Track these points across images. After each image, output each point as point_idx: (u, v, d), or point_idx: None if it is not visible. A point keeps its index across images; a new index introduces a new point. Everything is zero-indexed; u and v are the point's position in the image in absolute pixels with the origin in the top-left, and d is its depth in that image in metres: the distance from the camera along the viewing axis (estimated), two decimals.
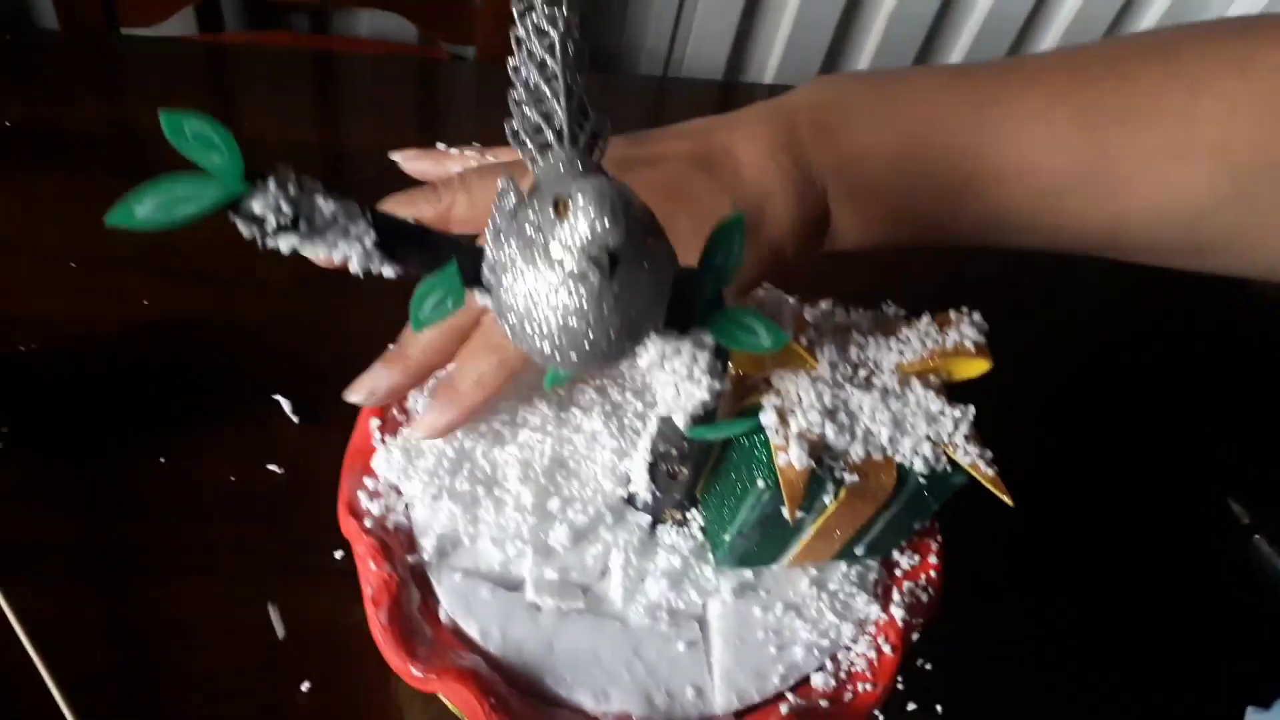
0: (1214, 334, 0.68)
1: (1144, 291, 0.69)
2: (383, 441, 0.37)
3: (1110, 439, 0.60)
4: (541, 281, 0.22)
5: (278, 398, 0.51)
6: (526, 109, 0.26)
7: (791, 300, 0.33)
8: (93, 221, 0.56)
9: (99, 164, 0.60)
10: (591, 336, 0.22)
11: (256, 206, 0.22)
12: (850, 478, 0.30)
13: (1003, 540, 0.45)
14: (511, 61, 0.27)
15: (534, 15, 0.27)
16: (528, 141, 0.25)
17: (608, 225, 0.21)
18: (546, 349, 0.23)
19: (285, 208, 0.22)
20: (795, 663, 0.35)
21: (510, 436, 0.37)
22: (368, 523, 0.35)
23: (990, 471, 0.30)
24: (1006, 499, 0.30)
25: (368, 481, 0.36)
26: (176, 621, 0.44)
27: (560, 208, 0.22)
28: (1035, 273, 0.68)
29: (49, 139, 0.62)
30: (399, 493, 0.36)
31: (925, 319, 0.32)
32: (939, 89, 0.39)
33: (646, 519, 0.36)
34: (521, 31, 0.27)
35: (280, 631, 0.43)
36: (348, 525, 0.35)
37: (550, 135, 0.25)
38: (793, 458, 0.29)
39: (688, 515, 0.36)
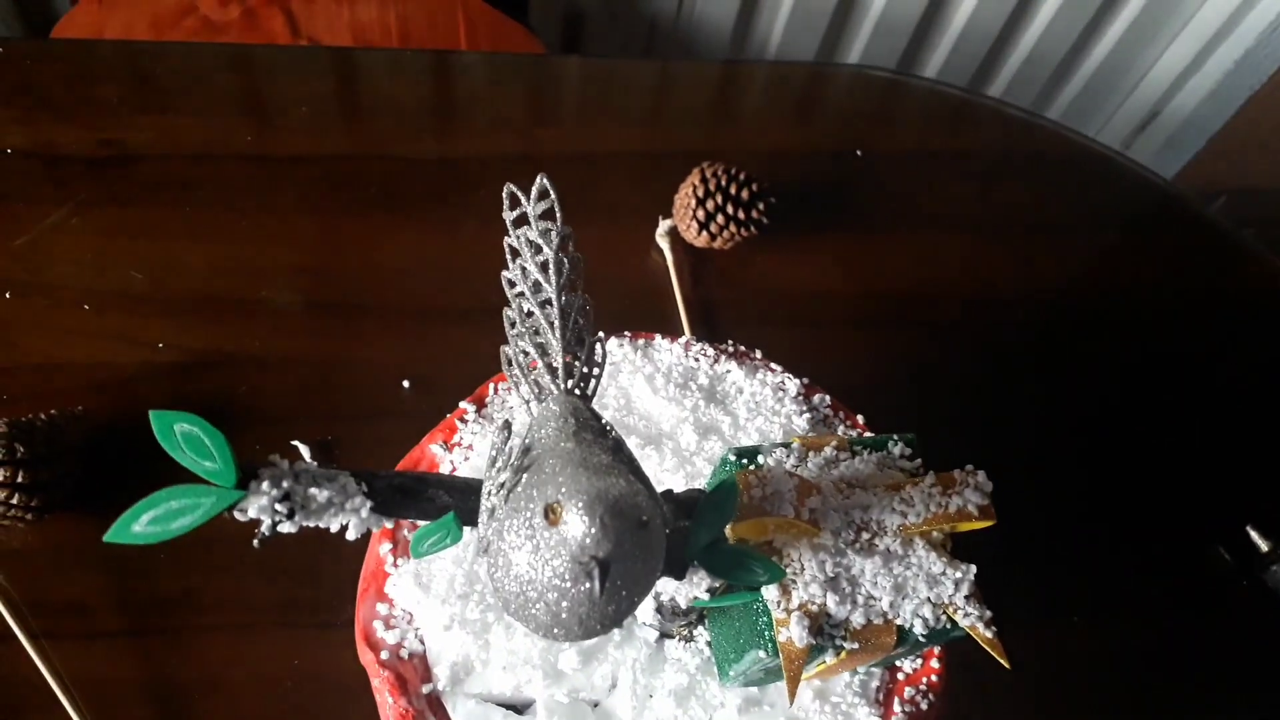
0: (1233, 364, 0.66)
1: (1164, 319, 0.67)
2: (395, 565, 0.38)
3: (1129, 473, 0.59)
4: (536, 576, 0.22)
5: (296, 444, 0.52)
6: (520, 340, 0.25)
7: (792, 462, 0.33)
8: (100, 256, 0.56)
9: (99, 190, 0.59)
10: (585, 624, 0.23)
11: (253, 509, 0.22)
12: (850, 645, 0.30)
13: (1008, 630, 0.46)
14: (505, 274, 0.27)
15: (528, 229, 0.26)
16: (522, 382, 0.25)
17: (597, 537, 0.21)
18: (541, 629, 0.23)
19: (280, 507, 0.22)
20: None
21: None
22: (384, 654, 0.36)
23: (988, 634, 0.31)
24: (1004, 662, 0.31)
25: (380, 608, 0.37)
26: (210, 676, 0.46)
27: (551, 514, 0.22)
28: (1055, 298, 0.66)
29: (47, 165, 0.60)
30: (411, 618, 0.37)
31: (929, 478, 0.32)
32: None
33: (654, 634, 0.37)
34: (515, 242, 0.27)
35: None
36: (365, 657, 0.36)
37: (547, 377, 0.25)
38: (793, 635, 0.30)
39: (694, 633, 0.37)
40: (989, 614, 0.31)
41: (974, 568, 0.32)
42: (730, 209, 0.58)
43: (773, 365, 0.43)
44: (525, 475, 0.23)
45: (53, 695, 0.44)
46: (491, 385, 0.41)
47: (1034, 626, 0.52)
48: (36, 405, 0.49)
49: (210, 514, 0.22)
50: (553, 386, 0.25)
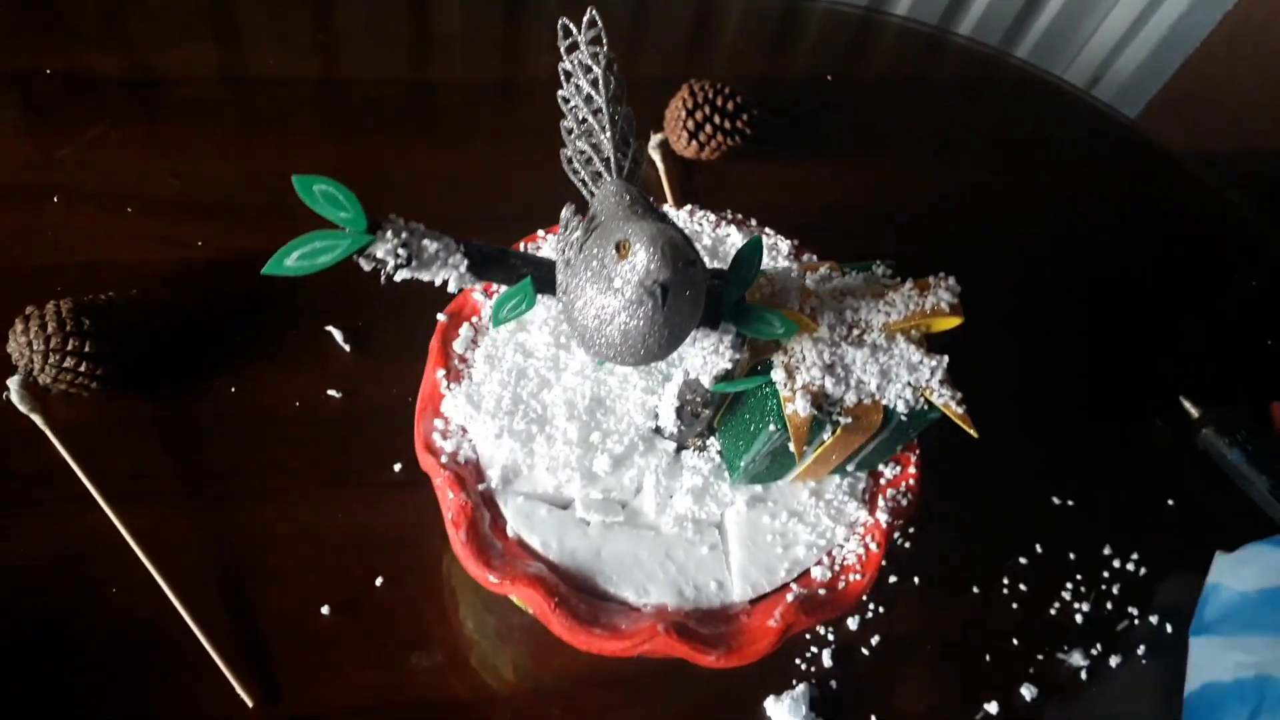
0: (1166, 244, 0.74)
1: (1098, 206, 0.74)
2: (449, 388, 0.43)
3: (1068, 348, 0.67)
4: (607, 306, 0.28)
5: (330, 329, 0.57)
6: (578, 141, 0.31)
7: (795, 273, 0.39)
8: (138, 166, 0.60)
9: (134, 108, 0.64)
10: (646, 345, 0.29)
11: (380, 252, 0.27)
12: (844, 420, 0.37)
13: (971, 448, 0.53)
14: (561, 92, 0.33)
15: (579, 53, 0.32)
16: (580, 170, 0.31)
17: (660, 264, 0.27)
18: (610, 353, 0.29)
19: (401, 251, 0.28)
20: (798, 559, 0.42)
21: (555, 381, 0.43)
22: (443, 459, 0.41)
23: (959, 410, 0.37)
24: (972, 432, 0.37)
25: (438, 423, 0.42)
26: (266, 531, 0.52)
27: (621, 249, 0.27)
28: (995, 197, 0.73)
29: (81, 86, 0.65)
30: (465, 431, 0.43)
31: (908, 284, 0.39)
32: None
33: (673, 446, 0.43)
34: (568, 65, 0.32)
35: None
36: (426, 461, 0.41)
37: (599, 165, 0.31)
38: (798, 407, 0.36)
39: (706, 443, 0.43)
40: (959, 394, 0.38)
41: (946, 358, 0.38)
42: (717, 119, 0.64)
43: (767, 229, 0.49)
44: (594, 233, 0.29)
45: (123, 549, 0.49)
46: (523, 244, 0.46)
47: (991, 491, 0.59)
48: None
49: (346, 253, 0.27)
50: (607, 175, 0.30)
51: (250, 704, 0.48)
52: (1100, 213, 0.74)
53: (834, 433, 0.37)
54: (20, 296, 0.51)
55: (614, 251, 0.27)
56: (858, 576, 0.42)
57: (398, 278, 0.28)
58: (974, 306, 0.39)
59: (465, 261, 0.29)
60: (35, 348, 0.49)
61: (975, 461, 0.53)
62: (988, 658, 0.56)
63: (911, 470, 0.45)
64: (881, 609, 0.56)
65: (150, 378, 0.54)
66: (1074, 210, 0.74)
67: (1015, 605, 0.58)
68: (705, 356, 0.34)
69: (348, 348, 0.57)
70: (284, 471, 0.54)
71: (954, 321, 0.38)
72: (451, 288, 0.30)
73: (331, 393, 0.56)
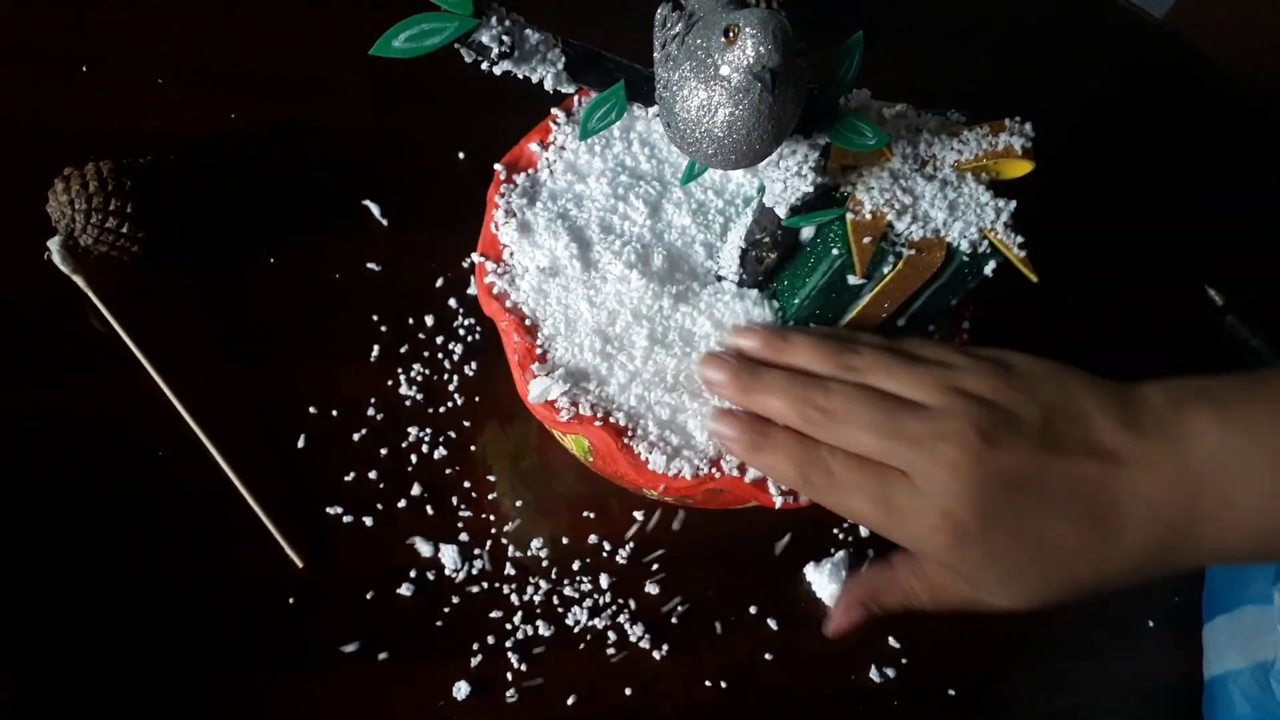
0: (1191, 129, 0.74)
1: (1127, 89, 0.74)
2: (508, 236, 0.43)
3: (1093, 240, 0.67)
4: (712, 96, 0.28)
5: (367, 203, 0.57)
6: None
7: (875, 102, 0.39)
8: (169, 35, 0.59)
9: None
10: (750, 140, 0.28)
11: (485, 38, 0.27)
12: (908, 252, 0.37)
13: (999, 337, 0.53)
14: None
15: None
16: None
17: (770, 48, 0.27)
18: (710, 151, 0.29)
19: (505, 38, 0.27)
20: None
21: (615, 228, 0.43)
22: (507, 304, 0.41)
23: (1022, 254, 0.38)
24: (1032, 277, 0.38)
25: (498, 270, 0.42)
26: (315, 399, 0.52)
27: (730, 35, 0.27)
28: (1033, 75, 0.73)
29: None
30: (526, 274, 0.42)
31: (985, 126, 0.39)
32: None
33: (733, 287, 0.43)
34: None
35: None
36: (490, 306, 0.41)
37: None
38: (864, 233, 0.36)
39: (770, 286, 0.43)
40: (1021, 239, 0.38)
41: (1014, 202, 0.38)
42: None
43: None
44: (695, 26, 0.29)
45: (168, 412, 0.49)
46: (576, 97, 0.46)
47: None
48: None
49: (453, 35, 0.27)
50: None
51: (300, 564, 0.48)
52: (1122, 105, 0.74)
53: (895, 266, 0.37)
54: (55, 161, 0.50)
55: (722, 38, 0.27)
56: None
57: (498, 70, 0.28)
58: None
59: (563, 59, 0.29)
60: (77, 207, 0.49)
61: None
62: None
63: (965, 325, 0.45)
64: None
65: (190, 245, 0.53)
66: (1094, 104, 0.74)
67: None
68: (787, 179, 0.34)
69: (385, 222, 0.57)
70: (327, 337, 0.53)
71: (1025, 167, 0.38)
72: (548, 85, 0.29)
73: (371, 265, 0.55)
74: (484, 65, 0.28)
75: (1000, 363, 0.37)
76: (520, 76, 0.29)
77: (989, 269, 0.38)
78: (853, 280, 0.38)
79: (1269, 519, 0.33)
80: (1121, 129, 0.73)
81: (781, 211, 0.36)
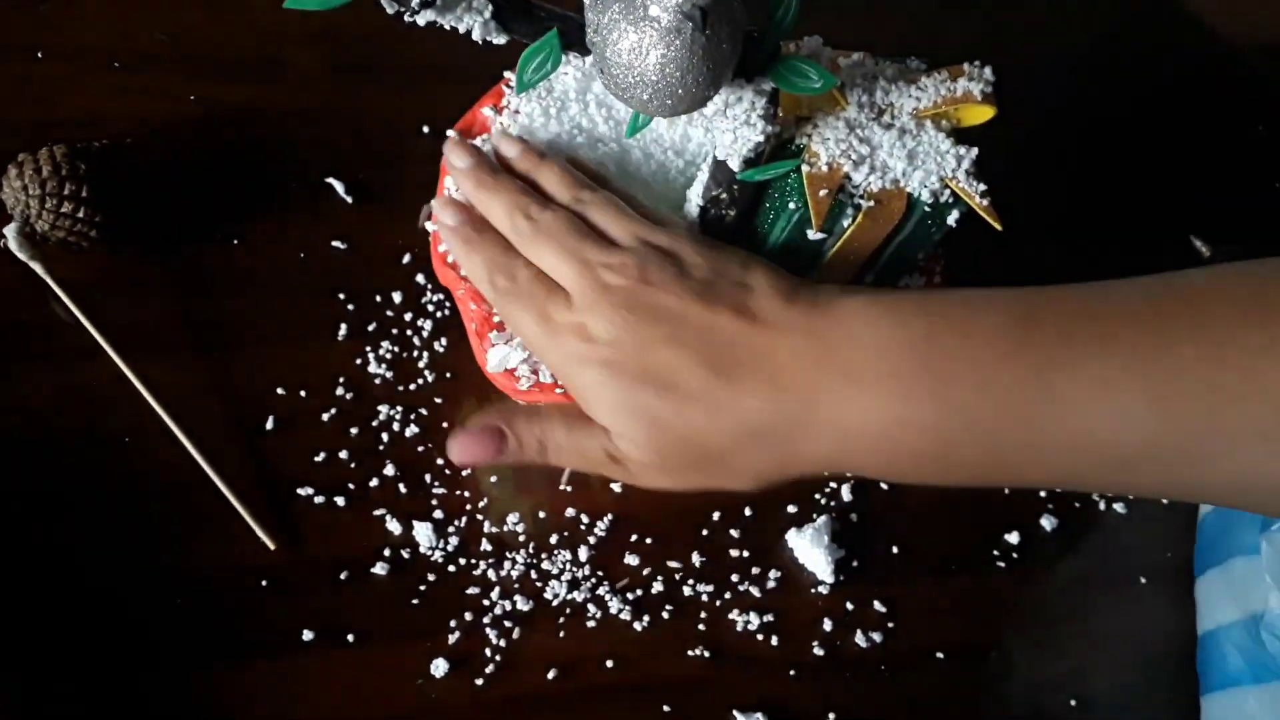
0: (1174, 79, 0.73)
1: (1113, 43, 0.73)
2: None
3: (1078, 190, 0.66)
4: (643, 39, 0.27)
5: (330, 181, 0.56)
6: None
7: (828, 50, 0.38)
8: (122, 21, 0.58)
9: None
10: (685, 84, 0.27)
11: None
12: (866, 204, 0.36)
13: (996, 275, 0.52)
14: None
15: None
16: None
17: None
18: (645, 96, 0.28)
19: None
20: None
21: None
22: (462, 272, 0.40)
23: (984, 202, 0.36)
24: (996, 225, 0.37)
25: None
26: (283, 381, 0.51)
27: None
28: (1020, 31, 0.72)
29: None
30: None
31: (943, 71, 0.37)
32: (996, 351, 0.34)
33: None
34: None
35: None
36: (445, 275, 0.40)
37: None
38: (820, 185, 0.35)
39: None
40: (984, 186, 0.37)
41: (975, 149, 0.37)
42: None
43: None
44: None
45: (134, 400, 0.48)
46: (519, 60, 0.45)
47: None
48: None
49: None
50: None
51: (272, 547, 0.48)
52: (1103, 56, 0.73)
53: (855, 219, 0.36)
54: (9, 148, 0.50)
55: None
56: None
57: (421, 20, 0.27)
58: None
59: (490, 6, 0.28)
60: (31, 192, 0.48)
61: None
62: (1006, 490, 0.56)
63: (937, 280, 0.44)
64: None
65: (150, 229, 0.53)
66: (1074, 55, 0.73)
67: None
68: (736, 130, 0.33)
69: (349, 199, 0.56)
70: (295, 320, 0.53)
71: (986, 113, 0.37)
72: (476, 35, 0.28)
73: (336, 243, 0.54)
74: (405, 16, 0.27)
75: (702, 236, 0.39)
76: (446, 28, 0.28)
77: (952, 219, 0.37)
78: (812, 235, 0.37)
79: (890, 399, 0.34)
80: (1103, 80, 0.72)
81: (734, 164, 0.35)
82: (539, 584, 0.50)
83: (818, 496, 0.54)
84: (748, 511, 0.53)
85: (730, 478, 0.37)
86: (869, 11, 0.69)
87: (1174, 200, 0.66)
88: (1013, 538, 0.55)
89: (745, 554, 0.52)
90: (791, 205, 0.36)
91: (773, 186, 0.37)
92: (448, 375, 0.52)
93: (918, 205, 0.37)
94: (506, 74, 0.44)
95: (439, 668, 0.47)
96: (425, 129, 0.58)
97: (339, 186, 0.56)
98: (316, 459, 0.50)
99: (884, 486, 0.54)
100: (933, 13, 0.73)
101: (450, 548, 0.49)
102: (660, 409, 0.35)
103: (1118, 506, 0.57)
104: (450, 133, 0.43)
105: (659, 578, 0.51)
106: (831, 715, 0.50)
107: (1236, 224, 0.66)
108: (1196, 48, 0.75)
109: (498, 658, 0.48)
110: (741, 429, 0.35)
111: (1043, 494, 0.56)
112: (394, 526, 0.49)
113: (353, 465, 0.50)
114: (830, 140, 0.35)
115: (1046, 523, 0.56)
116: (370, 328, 0.53)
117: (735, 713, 0.49)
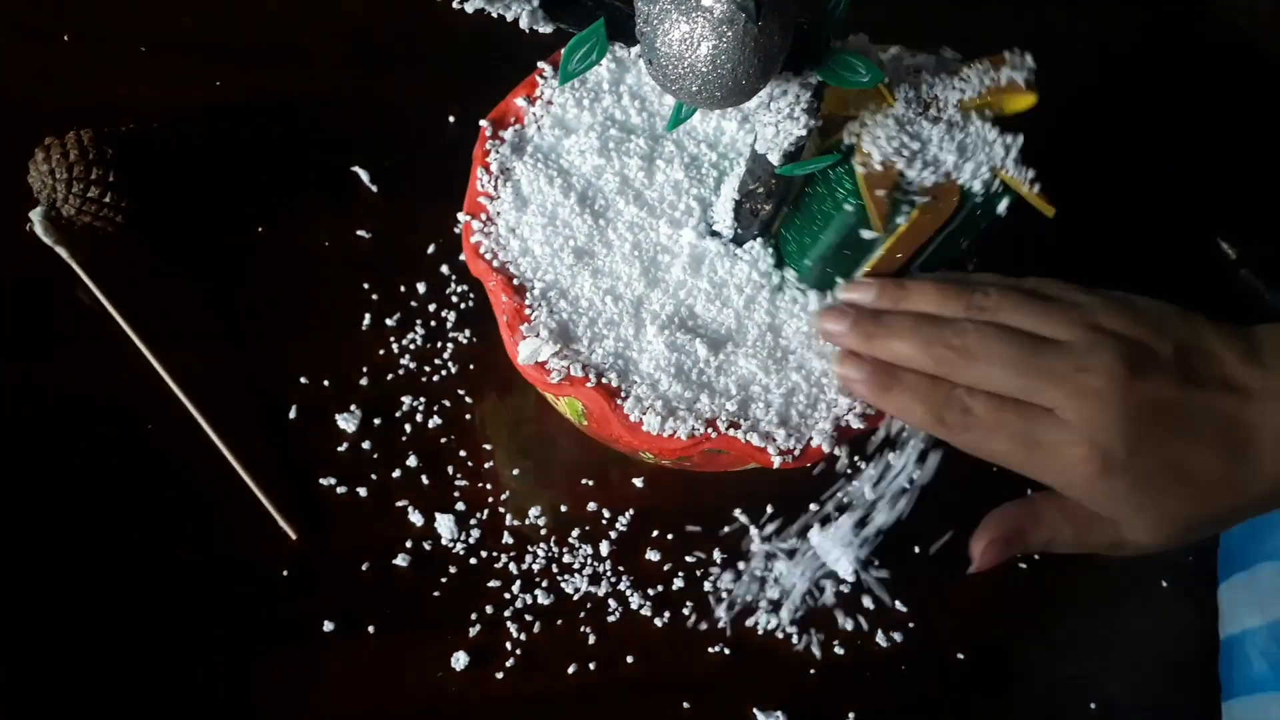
0: (1205, 80, 0.72)
1: (1140, 41, 0.72)
2: (495, 194, 0.41)
3: (1103, 191, 0.65)
4: (694, 28, 0.27)
5: (356, 170, 0.55)
6: None
7: (871, 47, 0.37)
8: (150, 5, 0.57)
9: None
10: (735, 75, 0.27)
11: None
12: (922, 200, 0.36)
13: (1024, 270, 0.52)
14: None
15: None
16: None
17: None
18: (694, 88, 0.28)
19: None
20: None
21: (605, 188, 0.42)
22: (495, 264, 0.40)
23: (1035, 189, 0.36)
24: (1049, 211, 0.36)
25: (486, 229, 0.41)
26: (306, 370, 0.51)
27: None
28: (1038, 26, 0.71)
29: None
30: (514, 234, 0.41)
31: (984, 61, 0.37)
32: None
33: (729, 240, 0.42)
34: None
35: None
36: (477, 266, 0.40)
37: None
38: (877, 186, 0.35)
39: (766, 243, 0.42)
40: (1033, 173, 0.36)
41: (1021, 136, 0.37)
42: None
43: None
44: None
45: (158, 386, 0.48)
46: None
47: None
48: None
49: None
50: None
51: (293, 537, 0.48)
52: (1134, 57, 0.73)
53: (910, 215, 0.36)
54: (37, 133, 0.49)
55: None
56: None
57: (470, 7, 0.27)
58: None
59: None
60: (58, 176, 0.47)
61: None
62: (1028, 491, 0.56)
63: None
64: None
65: (176, 215, 0.52)
66: (1104, 55, 0.72)
67: None
68: (779, 123, 0.33)
69: (375, 189, 0.55)
70: (319, 307, 0.52)
71: (1027, 101, 0.37)
72: (524, 24, 0.28)
73: (360, 233, 0.54)
74: (454, 2, 0.27)
75: (1126, 300, 0.38)
76: (494, 15, 0.28)
77: (1002, 208, 0.37)
78: (866, 235, 0.37)
79: None
80: (1133, 80, 0.71)
81: (774, 158, 0.34)
82: (560, 578, 0.49)
83: (841, 495, 0.53)
84: (769, 509, 0.52)
85: (1217, 530, 0.38)
86: (884, 4, 0.69)
87: (1201, 202, 0.66)
88: None
89: (766, 550, 0.52)
90: (848, 207, 0.35)
91: (821, 189, 0.37)
92: (471, 367, 0.52)
93: (969, 197, 0.36)
94: (540, 64, 0.44)
95: (459, 661, 0.47)
96: (451, 119, 0.58)
97: (364, 176, 0.55)
98: (339, 449, 0.49)
99: (905, 484, 0.54)
100: (953, 6, 0.72)
101: (472, 540, 0.49)
102: (1184, 501, 0.36)
103: None
104: (483, 123, 0.43)
105: (680, 573, 0.50)
106: (852, 715, 0.50)
107: (1267, 226, 0.65)
108: (1229, 48, 0.75)
109: (518, 651, 0.48)
110: (1256, 500, 0.36)
111: None
112: (416, 518, 0.49)
113: (375, 456, 0.50)
114: (882, 139, 0.35)
115: None
116: (395, 318, 0.52)
117: (756, 711, 0.49)
